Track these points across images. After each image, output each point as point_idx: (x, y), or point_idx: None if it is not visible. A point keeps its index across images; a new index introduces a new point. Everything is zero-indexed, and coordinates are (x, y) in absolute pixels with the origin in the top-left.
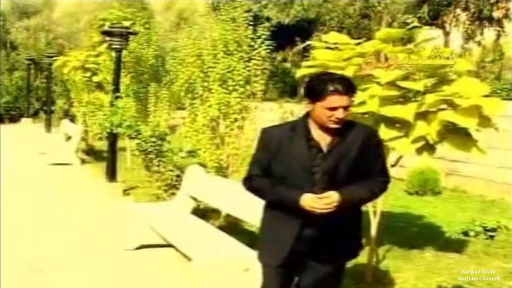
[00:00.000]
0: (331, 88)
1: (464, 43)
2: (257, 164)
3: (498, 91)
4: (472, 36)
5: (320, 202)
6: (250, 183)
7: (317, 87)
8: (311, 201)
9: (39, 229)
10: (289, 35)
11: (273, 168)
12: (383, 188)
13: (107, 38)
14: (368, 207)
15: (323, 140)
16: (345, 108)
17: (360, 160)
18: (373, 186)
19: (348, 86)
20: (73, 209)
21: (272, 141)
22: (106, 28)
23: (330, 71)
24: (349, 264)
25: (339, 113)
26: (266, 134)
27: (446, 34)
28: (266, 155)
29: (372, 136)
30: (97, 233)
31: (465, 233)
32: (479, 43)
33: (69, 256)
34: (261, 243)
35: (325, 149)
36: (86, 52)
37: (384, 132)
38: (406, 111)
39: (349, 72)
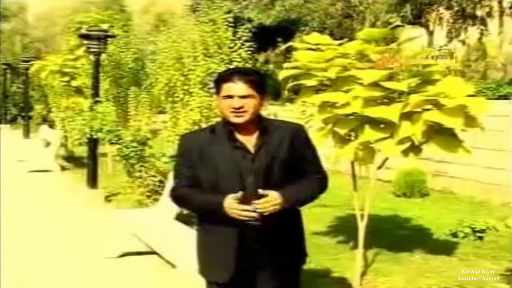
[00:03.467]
0: (225, 77)
1: (448, 42)
2: (180, 174)
3: (484, 91)
4: (456, 35)
5: (254, 204)
6: (175, 194)
7: (217, 79)
8: (235, 205)
9: (18, 238)
10: (271, 36)
11: (200, 177)
12: (323, 185)
13: (85, 42)
14: (355, 210)
15: (248, 141)
16: (243, 97)
17: (292, 159)
18: (311, 184)
19: (245, 74)
20: (54, 217)
21: (192, 147)
22: (83, 31)
23: (312, 72)
24: (336, 268)
25: (235, 102)
26: (184, 142)
27: (430, 33)
28: (188, 164)
29: (300, 132)
30: (78, 241)
31: (454, 235)
32: (463, 42)
33: (50, 265)
34: (201, 260)
35: (252, 150)
36: (64, 56)
37: (369, 134)
38: (390, 112)
39: (332, 73)
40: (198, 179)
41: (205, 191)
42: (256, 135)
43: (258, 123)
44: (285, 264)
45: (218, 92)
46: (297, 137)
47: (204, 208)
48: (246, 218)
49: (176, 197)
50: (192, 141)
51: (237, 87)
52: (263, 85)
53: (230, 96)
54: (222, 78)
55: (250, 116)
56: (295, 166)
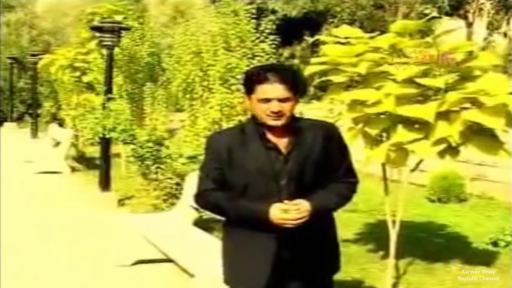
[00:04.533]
0: (260, 77)
1: (489, 34)
2: (208, 177)
3: None
4: (497, 27)
5: (291, 212)
6: (204, 199)
7: (247, 78)
8: (280, 213)
9: (27, 244)
10: (297, 29)
11: (229, 180)
12: (353, 190)
13: (97, 34)
14: (386, 216)
15: (280, 142)
16: (281, 100)
17: (325, 160)
18: (342, 189)
19: (283, 75)
20: (64, 222)
21: (221, 148)
22: (96, 23)
23: (341, 68)
24: (366, 279)
25: (274, 106)
26: (213, 142)
27: (469, 25)
28: (216, 166)
29: (333, 132)
30: (90, 248)
31: (494, 244)
32: (505, 34)
33: (60, 272)
34: (231, 267)
35: (284, 151)
36: (75, 49)
37: (402, 134)
38: (425, 111)
39: (362, 68)
40: (227, 182)
41: (236, 195)
42: (288, 135)
43: (290, 122)
44: (317, 274)
45: (250, 92)
46: (330, 137)
47: (243, 216)
48: (291, 227)
49: (207, 202)
50: (222, 142)
51: (275, 90)
52: (301, 85)
53: (267, 99)
54: (255, 78)
55: (288, 119)
56: (327, 167)
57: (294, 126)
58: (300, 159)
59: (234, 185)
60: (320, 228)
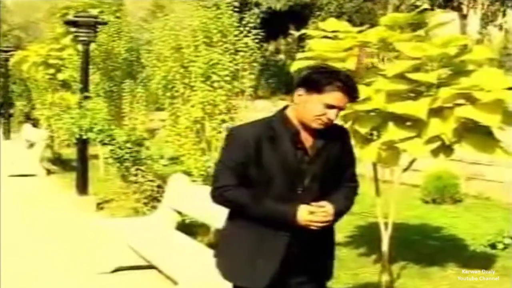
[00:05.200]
0: (338, 82)
1: (483, 27)
2: (229, 171)
3: None
4: (493, 19)
5: (318, 214)
6: (223, 195)
7: (322, 77)
8: (307, 215)
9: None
10: (282, 23)
11: (252, 175)
12: (356, 194)
13: (72, 29)
14: (378, 218)
15: (307, 142)
16: (340, 109)
17: (340, 163)
18: (349, 193)
19: (355, 89)
20: (39, 227)
21: (250, 142)
22: (70, 17)
23: (329, 63)
24: (358, 284)
25: (332, 114)
26: (240, 135)
27: (463, 17)
28: (241, 160)
29: (347, 134)
30: (67, 255)
31: (492, 246)
32: (500, 27)
33: (35, 281)
34: (231, 265)
35: (310, 152)
36: (48, 45)
37: (393, 132)
38: (417, 108)
39: (350, 64)
40: (248, 178)
41: (260, 193)
42: (314, 136)
43: None
44: (317, 277)
45: (315, 90)
46: (345, 139)
47: (268, 216)
48: (317, 228)
49: (226, 198)
50: (250, 135)
51: (344, 100)
52: None
53: (331, 106)
54: (333, 83)
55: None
56: (341, 171)
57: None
58: (323, 161)
59: (256, 181)
60: (322, 232)
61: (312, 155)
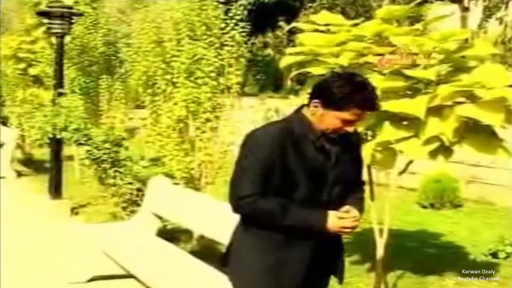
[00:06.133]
0: (361, 100)
1: (483, 20)
2: (254, 178)
3: None
4: (495, 12)
5: (346, 220)
6: (249, 206)
7: (342, 93)
8: (339, 221)
9: None
10: (271, 15)
11: (274, 181)
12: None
13: (45, 21)
14: (373, 223)
15: (327, 145)
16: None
17: (356, 166)
18: (360, 195)
19: (377, 103)
20: (8, 234)
21: (273, 147)
22: (42, 7)
23: (320, 58)
24: None
25: (350, 128)
26: (263, 138)
27: (464, 9)
28: (265, 166)
29: (360, 137)
30: (39, 263)
31: (494, 255)
32: (501, 21)
33: None
34: (251, 276)
35: (332, 155)
36: (19, 38)
37: (389, 132)
38: (415, 106)
39: (344, 59)
40: (271, 183)
41: (287, 201)
42: (332, 139)
43: None
44: (331, 273)
45: (336, 107)
46: (359, 143)
47: (299, 225)
48: (347, 233)
49: (253, 209)
50: (274, 139)
51: (364, 114)
52: None
53: (351, 121)
54: (360, 102)
55: None
56: (356, 173)
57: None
58: (343, 166)
59: (280, 188)
60: (336, 237)
61: (334, 158)
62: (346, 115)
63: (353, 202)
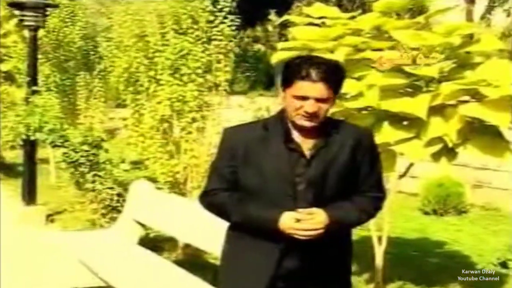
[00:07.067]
0: (301, 71)
1: (487, 11)
2: (218, 174)
3: None
4: (501, 3)
5: (304, 222)
6: (208, 199)
7: (287, 70)
8: (292, 222)
9: None
10: (261, 8)
11: (241, 180)
12: (378, 207)
13: (17, 12)
14: (371, 231)
15: (305, 143)
16: (319, 100)
17: (351, 168)
18: (366, 204)
19: (328, 72)
20: None
21: (239, 143)
22: None
23: (316, 54)
24: None
25: (309, 106)
26: (230, 135)
27: (470, 2)
28: (230, 163)
29: (366, 138)
30: (11, 274)
31: (503, 265)
32: (508, 13)
33: None
34: (225, 277)
35: (307, 153)
36: None
37: (389, 133)
38: (416, 105)
39: (340, 55)
40: (239, 182)
41: (246, 197)
42: (314, 136)
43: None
44: None
45: (286, 85)
46: (361, 142)
47: (250, 222)
48: (303, 238)
49: (212, 203)
50: (239, 137)
51: (316, 89)
52: (342, 83)
53: (303, 97)
54: (297, 72)
55: (320, 121)
56: (352, 177)
57: (322, 127)
58: (323, 165)
59: (246, 186)
60: (331, 244)
61: (309, 157)
62: (294, 90)
63: (336, 205)
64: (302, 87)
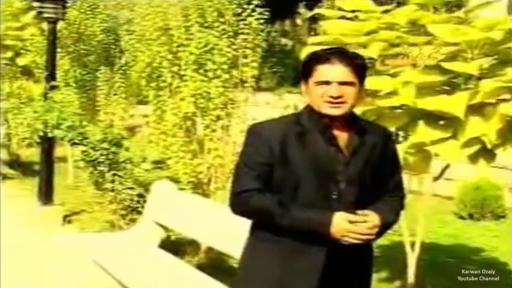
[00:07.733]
0: (320, 57)
1: None
2: (252, 174)
3: None
4: None
5: (360, 225)
6: (246, 203)
7: (307, 59)
8: (347, 224)
9: None
10: (290, 0)
11: (277, 179)
12: (403, 207)
13: (35, 4)
14: (404, 236)
15: (340, 138)
16: (342, 84)
17: (381, 169)
18: (396, 204)
19: (345, 55)
20: None
21: (274, 140)
22: None
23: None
24: None
25: (333, 89)
26: (263, 132)
27: None
28: (264, 161)
29: (391, 138)
30: (27, 276)
31: None
32: None
33: None
34: (255, 284)
35: (345, 150)
36: (5, 23)
37: (424, 133)
38: (454, 103)
39: (374, 51)
40: (272, 181)
41: (286, 198)
42: (349, 132)
43: (350, 119)
44: None
45: (307, 75)
46: (389, 143)
47: (299, 226)
48: (357, 242)
49: (249, 206)
50: (274, 132)
51: (336, 71)
52: (365, 71)
53: (326, 82)
54: (315, 58)
55: (349, 109)
56: (382, 177)
57: (355, 124)
58: (361, 163)
59: (282, 185)
60: (362, 248)
61: (348, 154)
62: (316, 75)
63: (379, 207)
64: (322, 71)
